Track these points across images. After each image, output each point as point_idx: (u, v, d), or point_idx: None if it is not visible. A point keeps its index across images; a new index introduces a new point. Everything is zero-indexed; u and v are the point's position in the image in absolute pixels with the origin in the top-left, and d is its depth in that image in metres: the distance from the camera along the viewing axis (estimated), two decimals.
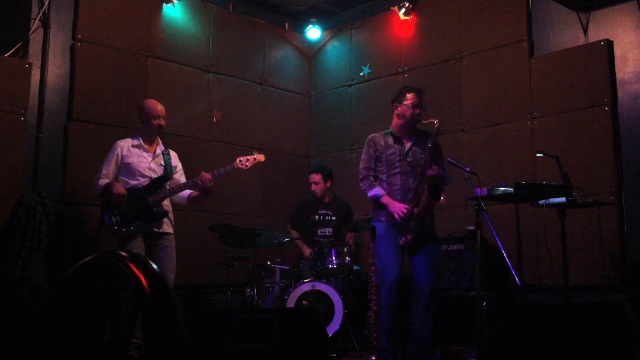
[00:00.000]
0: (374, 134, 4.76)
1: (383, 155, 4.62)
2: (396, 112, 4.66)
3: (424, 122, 4.55)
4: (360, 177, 4.70)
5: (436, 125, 4.46)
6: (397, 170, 4.59)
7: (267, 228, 5.72)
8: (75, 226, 5.20)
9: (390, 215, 4.48)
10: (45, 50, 5.29)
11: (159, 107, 4.85)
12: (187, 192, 4.87)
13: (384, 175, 4.61)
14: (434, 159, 4.51)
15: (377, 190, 4.57)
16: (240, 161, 4.87)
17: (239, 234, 5.38)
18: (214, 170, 4.83)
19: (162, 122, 4.84)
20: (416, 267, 4.50)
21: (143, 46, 5.95)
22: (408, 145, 4.62)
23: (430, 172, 4.41)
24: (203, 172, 4.73)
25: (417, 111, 4.59)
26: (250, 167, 4.92)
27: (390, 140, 4.66)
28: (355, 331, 5.27)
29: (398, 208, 4.43)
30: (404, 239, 4.44)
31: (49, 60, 5.32)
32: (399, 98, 4.66)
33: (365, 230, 5.50)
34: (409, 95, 4.61)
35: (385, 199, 4.51)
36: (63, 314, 1.95)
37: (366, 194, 4.65)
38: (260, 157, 4.95)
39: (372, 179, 4.64)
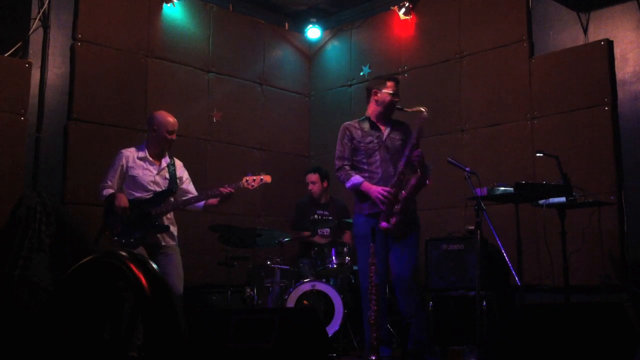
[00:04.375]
0: (348, 123, 4.71)
1: (361, 144, 4.57)
2: (375, 98, 4.64)
3: (409, 110, 4.48)
4: (336, 168, 4.64)
5: (425, 114, 4.40)
6: (377, 158, 4.54)
7: (267, 228, 5.71)
8: (75, 226, 5.18)
9: (372, 204, 4.42)
10: (45, 50, 5.30)
11: (172, 120, 4.73)
12: (201, 202, 4.80)
13: (364, 165, 4.56)
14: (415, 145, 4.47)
15: (355, 179, 4.50)
16: (247, 181, 4.80)
17: (239, 234, 5.37)
18: (220, 188, 4.70)
19: (175, 136, 4.75)
20: (395, 256, 4.43)
21: (143, 46, 5.95)
22: (386, 132, 4.61)
23: (416, 154, 4.35)
24: (221, 188, 4.66)
25: (397, 99, 4.62)
26: (255, 188, 4.88)
27: (367, 127, 4.62)
28: (355, 331, 5.27)
29: (377, 191, 4.37)
30: (384, 223, 4.32)
31: (49, 60, 5.32)
32: (378, 85, 4.66)
33: None
34: (389, 84, 4.63)
35: (365, 185, 4.45)
36: (63, 314, 1.95)
37: (344, 184, 4.59)
38: (267, 179, 4.89)
39: (347, 168, 4.58)
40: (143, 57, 5.94)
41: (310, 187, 6.09)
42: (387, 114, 4.66)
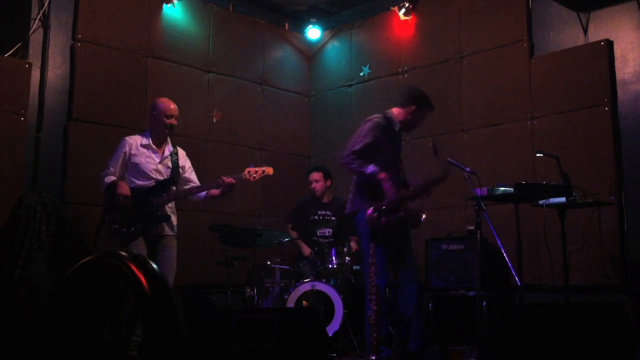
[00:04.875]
0: (379, 120, 4.64)
1: (395, 150, 4.66)
2: (412, 112, 4.68)
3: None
4: (352, 157, 4.52)
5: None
6: (393, 166, 4.65)
7: (267, 228, 5.72)
8: (75, 226, 5.19)
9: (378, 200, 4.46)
10: (45, 50, 5.29)
11: (172, 106, 4.76)
12: (203, 192, 4.80)
13: (385, 168, 4.56)
14: None
15: (375, 167, 4.47)
16: (249, 172, 4.77)
17: (239, 234, 5.38)
18: (223, 177, 4.73)
19: (175, 121, 4.75)
20: (400, 259, 4.56)
21: (143, 46, 5.95)
22: (400, 143, 4.79)
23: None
24: (224, 177, 4.66)
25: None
26: (257, 179, 4.87)
27: (393, 131, 4.67)
28: (355, 331, 5.26)
29: (392, 189, 4.42)
30: (372, 213, 4.36)
31: (49, 60, 5.32)
32: (424, 105, 4.70)
33: None
34: (429, 113, 4.74)
35: (384, 175, 4.44)
36: (63, 314, 1.95)
37: (362, 170, 4.48)
38: (269, 170, 4.86)
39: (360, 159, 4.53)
40: (143, 57, 5.94)
41: (314, 185, 6.07)
42: (407, 130, 4.81)
